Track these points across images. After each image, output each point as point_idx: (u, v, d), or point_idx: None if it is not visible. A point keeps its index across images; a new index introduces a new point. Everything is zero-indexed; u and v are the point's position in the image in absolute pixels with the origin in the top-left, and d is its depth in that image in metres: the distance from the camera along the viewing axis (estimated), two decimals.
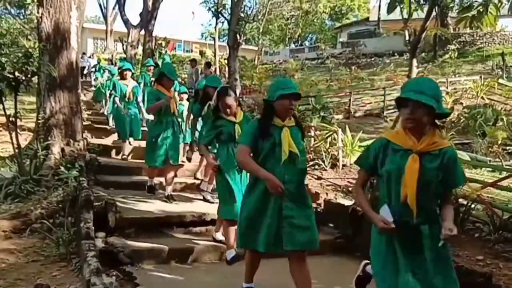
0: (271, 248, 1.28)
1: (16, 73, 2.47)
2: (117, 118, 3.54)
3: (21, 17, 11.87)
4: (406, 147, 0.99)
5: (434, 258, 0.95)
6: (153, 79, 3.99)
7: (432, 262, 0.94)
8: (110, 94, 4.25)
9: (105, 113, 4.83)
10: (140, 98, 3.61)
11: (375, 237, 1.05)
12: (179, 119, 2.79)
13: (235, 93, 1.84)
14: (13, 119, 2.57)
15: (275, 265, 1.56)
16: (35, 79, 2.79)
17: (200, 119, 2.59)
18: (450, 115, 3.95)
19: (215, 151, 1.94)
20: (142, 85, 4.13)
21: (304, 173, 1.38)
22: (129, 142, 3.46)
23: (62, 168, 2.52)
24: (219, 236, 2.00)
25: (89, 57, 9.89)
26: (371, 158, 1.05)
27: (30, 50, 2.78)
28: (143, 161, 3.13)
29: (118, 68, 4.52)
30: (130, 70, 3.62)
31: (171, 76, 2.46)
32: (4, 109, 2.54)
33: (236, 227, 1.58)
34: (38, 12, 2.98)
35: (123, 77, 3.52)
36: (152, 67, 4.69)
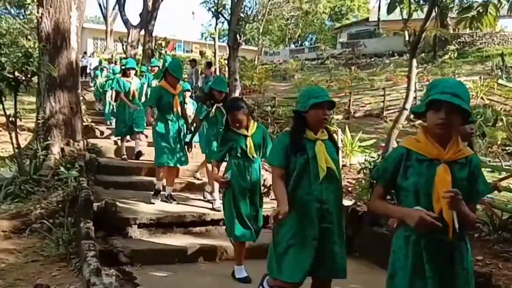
0: (305, 276, 1.13)
1: (16, 73, 2.48)
2: (117, 116, 3.51)
3: (21, 17, 11.87)
4: (431, 156, 0.87)
5: (465, 276, 0.87)
6: (156, 81, 3.97)
7: (463, 281, 0.86)
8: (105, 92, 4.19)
9: (105, 111, 4.78)
10: (143, 99, 3.53)
11: (399, 249, 0.89)
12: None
13: (245, 104, 1.68)
14: (13, 119, 2.57)
15: None
16: (35, 79, 2.79)
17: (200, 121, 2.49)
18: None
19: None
20: (145, 85, 4.02)
21: (341, 189, 1.24)
22: (127, 140, 3.44)
23: (62, 168, 2.51)
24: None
25: (90, 56, 9.79)
26: (390, 171, 0.91)
27: (30, 50, 2.79)
28: (143, 160, 3.21)
29: (121, 66, 4.42)
30: (134, 68, 3.54)
31: (174, 73, 2.35)
32: (4, 109, 2.54)
33: (241, 244, 1.58)
34: (38, 12, 2.98)
35: (126, 75, 3.45)
36: (156, 68, 4.54)
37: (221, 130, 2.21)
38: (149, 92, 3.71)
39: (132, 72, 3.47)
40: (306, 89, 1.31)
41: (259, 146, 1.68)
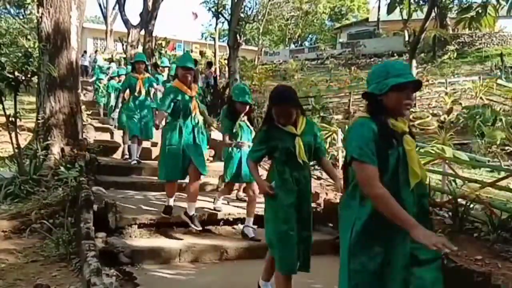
0: None
1: (16, 73, 2.47)
2: (126, 115, 3.13)
3: (21, 16, 11.85)
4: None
5: None
6: (168, 83, 3.60)
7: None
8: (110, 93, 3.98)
9: (112, 118, 4.00)
10: (153, 94, 3.20)
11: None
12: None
13: (294, 94, 1.27)
14: (13, 119, 2.56)
15: None
16: (35, 79, 2.78)
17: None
18: None
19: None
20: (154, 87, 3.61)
21: (427, 197, 0.95)
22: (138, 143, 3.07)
23: (62, 168, 2.51)
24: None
25: (90, 56, 9.74)
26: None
27: (30, 50, 2.78)
28: (143, 160, 3.10)
29: (131, 63, 4.00)
30: (143, 62, 3.14)
31: (184, 64, 1.94)
32: (3, 109, 2.53)
33: (287, 279, 1.18)
34: (38, 12, 2.97)
35: (135, 71, 3.12)
36: (167, 68, 4.16)
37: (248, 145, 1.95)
38: (158, 95, 3.35)
39: (142, 66, 3.11)
40: (384, 64, 0.94)
41: (310, 148, 1.29)
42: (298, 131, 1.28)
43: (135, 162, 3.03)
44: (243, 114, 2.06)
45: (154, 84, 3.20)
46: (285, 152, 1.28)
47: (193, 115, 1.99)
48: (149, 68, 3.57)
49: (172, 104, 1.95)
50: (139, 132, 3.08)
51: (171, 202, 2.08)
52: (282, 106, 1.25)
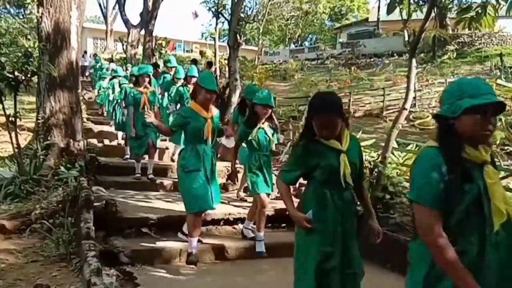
0: None
1: (16, 73, 2.46)
2: (128, 132, 2.89)
3: (21, 16, 11.85)
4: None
5: None
6: (179, 79, 3.26)
7: None
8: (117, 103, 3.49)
9: (120, 139, 3.78)
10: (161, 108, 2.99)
11: None
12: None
13: (340, 102, 1.03)
14: (13, 119, 2.56)
15: (283, 264, 1.56)
16: (34, 78, 2.77)
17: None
18: None
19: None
20: (159, 89, 3.43)
21: None
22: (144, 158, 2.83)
23: (62, 168, 2.51)
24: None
25: (90, 56, 9.50)
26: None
27: (30, 49, 2.77)
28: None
29: (131, 74, 3.83)
30: (148, 75, 2.80)
31: (210, 86, 1.68)
32: (3, 109, 2.53)
33: None
34: (38, 12, 2.97)
35: (139, 84, 2.79)
36: (174, 68, 3.71)
37: (265, 157, 1.83)
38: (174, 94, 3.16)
39: (147, 79, 2.79)
40: (457, 82, 0.78)
41: (355, 168, 1.05)
42: (343, 147, 1.04)
43: (140, 176, 2.77)
44: (263, 119, 1.87)
45: (155, 107, 2.88)
46: (327, 171, 1.02)
47: (209, 139, 1.74)
48: (153, 79, 3.10)
49: (186, 125, 1.71)
50: (143, 152, 2.82)
51: (195, 244, 1.68)
52: (326, 115, 1.01)
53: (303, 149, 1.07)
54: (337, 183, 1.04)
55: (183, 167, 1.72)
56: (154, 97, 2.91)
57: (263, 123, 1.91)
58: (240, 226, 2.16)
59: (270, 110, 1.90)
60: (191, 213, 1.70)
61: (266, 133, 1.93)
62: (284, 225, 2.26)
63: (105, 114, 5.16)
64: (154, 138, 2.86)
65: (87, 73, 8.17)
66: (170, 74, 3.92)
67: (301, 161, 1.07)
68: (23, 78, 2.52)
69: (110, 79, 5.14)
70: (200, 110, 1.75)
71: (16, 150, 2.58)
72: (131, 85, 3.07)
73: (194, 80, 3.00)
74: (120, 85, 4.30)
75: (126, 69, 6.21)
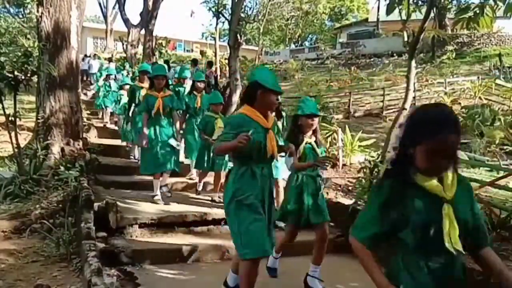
0: None
1: (16, 72, 2.45)
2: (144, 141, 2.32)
3: (20, 16, 11.83)
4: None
5: None
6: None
7: None
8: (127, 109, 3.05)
9: (135, 155, 3.22)
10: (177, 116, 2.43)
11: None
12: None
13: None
14: (13, 118, 2.55)
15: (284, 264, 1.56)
16: (34, 78, 2.76)
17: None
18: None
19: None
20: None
21: None
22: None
23: (62, 168, 2.50)
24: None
25: (90, 57, 8.92)
26: None
27: (29, 49, 2.76)
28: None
29: (139, 71, 3.17)
30: (164, 76, 2.35)
31: (276, 86, 1.26)
32: (3, 108, 2.52)
33: None
34: (38, 11, 2.97)
35: (154, 87, 2.36)
36: (186, 80, 3.18)
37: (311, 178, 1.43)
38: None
39: (163, 81, 2.34)
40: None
41: (466, 226, 0.69)
42: (447, 193, 0.68)
43: (158, 197, 2.28)
44: (310, 132, 1.55)
45: (176, 113, 2.46)
46: (422, 230, 0.67)
47: (268, 156, 1.26)
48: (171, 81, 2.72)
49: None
50: (157, 169, 2.30)
51: None
52: (450, 136, 0.66)
53: (390, 195, 0.69)
54: (438, 249, 0.66)
55: (233, 196, 1.23)
56: (170, 100, 2.38)
57: (310, 137, 1.57)
58: None
59: (316, 120, 1.57)
60: (245, 258, 1.19)
61: (313, 149, 1.57)
62: (284, 225, 2.22)
63: (105, 119, 4.97)
64: (172, 163, 2.34)
65: (90, 79, 7.83)
66: (185, 87, 3.30)
67: (384, 214, 0.69)
68: (23, 77, 2.51)
69: (104, 79, 5.06)
70: (257, 117, 1.26)
71: (16, 150, 2.57)
72: (143, 85, 2.90)
73: (163, 82, 2.39)
74: (120, 85, 4.25)
75: (128, 74, 5.91)
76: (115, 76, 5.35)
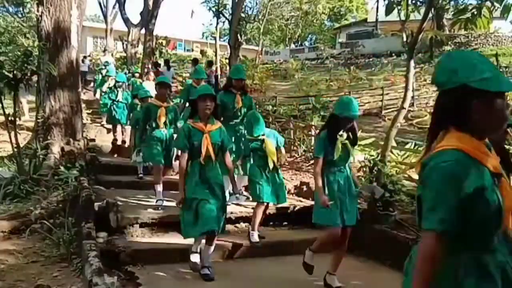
0: None
1: (15, 72, 2.45)
2: (148, 143, 2.23)
3: (19, 15, 11.78)
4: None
5: None
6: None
7: None
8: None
9: (136, 159, 2.72)
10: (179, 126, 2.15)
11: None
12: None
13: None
14: (12, 118, 2.54)
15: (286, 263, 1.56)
16: (34, 77, 2.76)
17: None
18: None
19: None
20: (180, 104, 2.72)
21: None
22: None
23: (62, 168, 2.49)
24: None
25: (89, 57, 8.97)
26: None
27: (29, 48, 2.75)
28: None
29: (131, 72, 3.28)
30: (169, 85, 2.21)
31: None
32: (3, 108, 2.52)
33: None
34: (37, 11, 2.96)
35: (159, 98, 2.21)
36: (202, 80, 2.76)
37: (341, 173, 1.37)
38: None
39: (166, 91, 2.25)
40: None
41: None
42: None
43: (161, 202, 2.15)
44: (343, 131, 1.47)
45: (179, 124, 2.26)
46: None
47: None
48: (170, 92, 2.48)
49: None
50: (163, 161, 2.19)
51: None
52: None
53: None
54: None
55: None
56: (173, 111, 2.27)
57: (344, 137, 1.50)
58: (243, 224, 2.13)
59: (353, 123, 1.50)
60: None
61: (347, 148, 1.51)
62: (285, 223, 2.21)
63: (124, 136, 4.04)
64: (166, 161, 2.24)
65: (90, 82, 7.60)
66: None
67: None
68: (23, 77, 2.51)
69: (103, 77, 4.89)
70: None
71: (15, 149, 2.57)
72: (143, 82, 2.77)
73: (165, 91, 2.25)
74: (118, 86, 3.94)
75: (130, 74, 5.54)
76: (125, 84, 4.27)
